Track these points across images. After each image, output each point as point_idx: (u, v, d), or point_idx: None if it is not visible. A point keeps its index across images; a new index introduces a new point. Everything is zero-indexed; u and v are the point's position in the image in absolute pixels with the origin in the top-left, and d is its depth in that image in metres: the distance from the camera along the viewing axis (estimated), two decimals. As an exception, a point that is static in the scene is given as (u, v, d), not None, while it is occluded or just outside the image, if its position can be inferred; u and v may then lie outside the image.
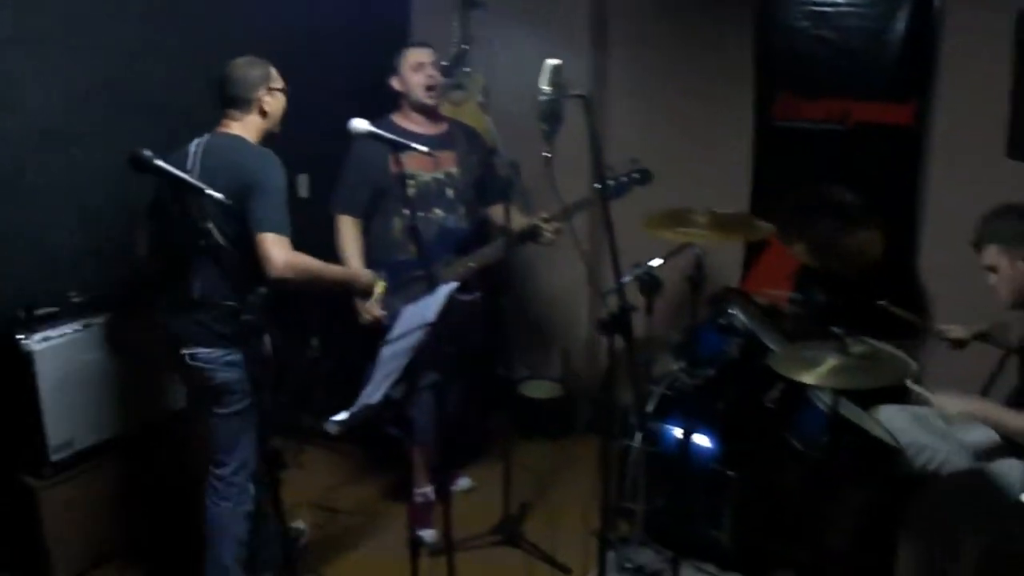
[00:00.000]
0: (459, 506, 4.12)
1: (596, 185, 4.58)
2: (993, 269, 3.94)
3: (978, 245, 3.99)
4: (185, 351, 3.86)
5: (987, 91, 4.86)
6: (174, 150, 3.84)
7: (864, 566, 4.23)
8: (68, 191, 4.53)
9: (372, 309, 4.66)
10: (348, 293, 4.33)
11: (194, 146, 3.89)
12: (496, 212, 5.05)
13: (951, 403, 3.91)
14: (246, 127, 3.94)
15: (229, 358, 3.82)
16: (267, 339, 3.66)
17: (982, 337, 4.36)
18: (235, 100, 3.93)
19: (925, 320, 4.76)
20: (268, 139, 4.00)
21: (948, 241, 5.07)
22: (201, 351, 3.84)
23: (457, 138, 4.94)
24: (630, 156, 4.85)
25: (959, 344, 4.39)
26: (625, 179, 4.81)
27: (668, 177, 5.19)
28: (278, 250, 3.68)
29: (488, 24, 6.00)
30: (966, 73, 5.01)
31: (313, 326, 5.74)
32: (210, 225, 3.50)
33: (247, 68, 3.93)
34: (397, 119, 4.86)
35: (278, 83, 4.00)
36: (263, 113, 3.95)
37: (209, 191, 2.97)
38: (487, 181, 5.05)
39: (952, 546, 3.89)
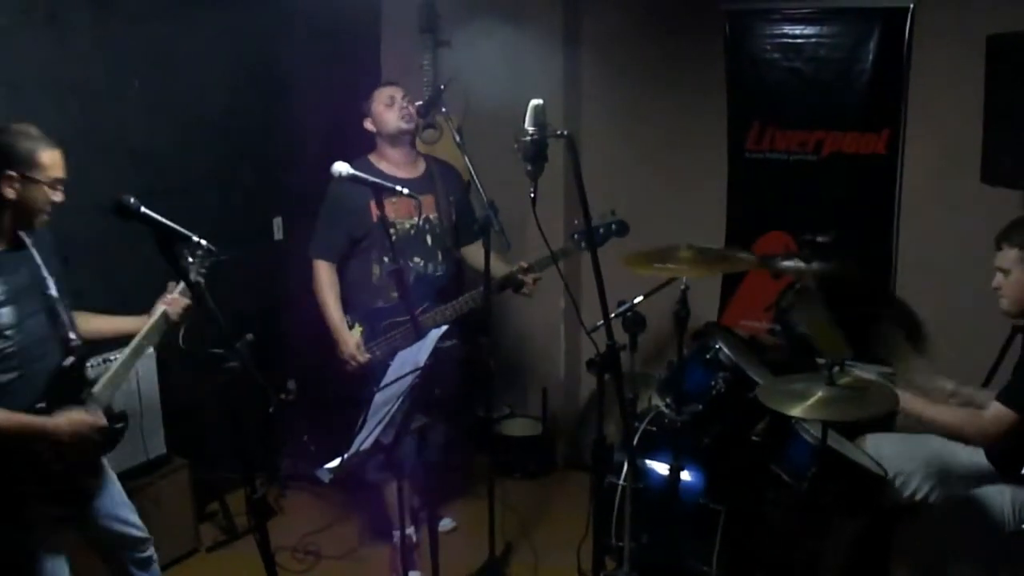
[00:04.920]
0: (443, 548, 4.06)
1: (574, 235, 4.61)
2: (1005, 272, 3.87)
3: (1000, 244, 3.91)
4: None
5: (960, 117, 4.89)
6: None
7: (855, 597, 4.23)
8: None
9: (357, 356, 4.65)
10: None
11: None
12: (469, 253, 5.04)
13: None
14: None
15: None
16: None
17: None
18: None
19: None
20: (13, 233, 3.46)
21: (924, 268, 5.10)
22: None
23: (435, 179, 4.92)
24: (609, 207, 4.82)
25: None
26: (602, 230, 4.79)
27: (643, 211, 5.20)
28: None
29: (460, 64, 6.00)
30: (938, 100, 5.05)
31: (290, 368, 5.71)
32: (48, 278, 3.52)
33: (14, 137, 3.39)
34: (375, 160, 4.83)
35: (43, 173, 3.40)
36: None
37: (197, 239, 2.95)
38: (463, 220, 5.02)
39: (941, 574, 3.89)
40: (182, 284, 3.72)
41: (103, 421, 3.51)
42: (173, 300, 3.76)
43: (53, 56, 4.55)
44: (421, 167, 4.93)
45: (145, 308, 4.10)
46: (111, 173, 4.73)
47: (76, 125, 4.65)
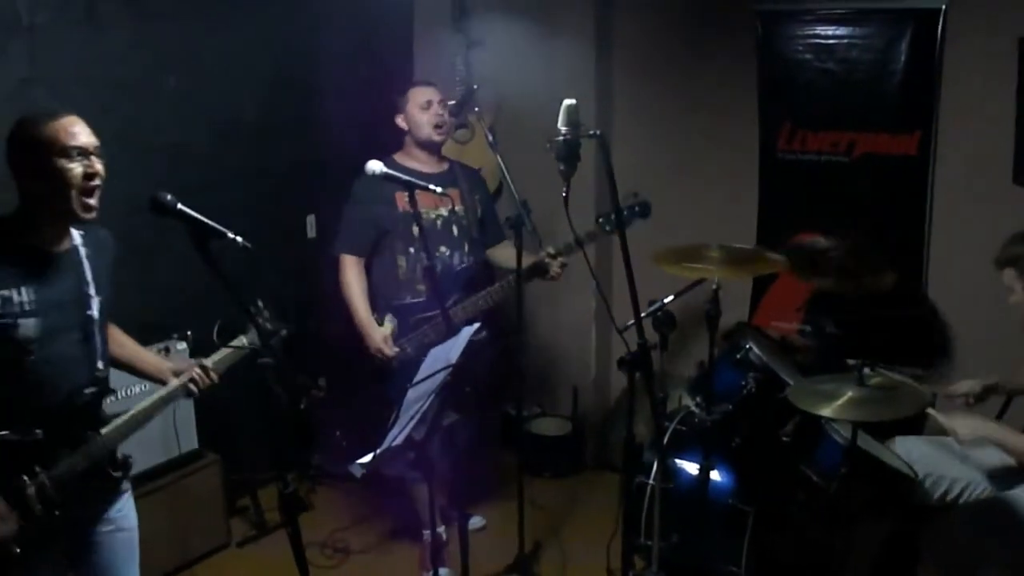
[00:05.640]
0: (473, 545, 4.08)
1: (599, 219, 4.61)
2: (1012, 291, 3.95)
3: (999, 266, 4.00)
4: None
5: (992, 118, 4.89)
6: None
7: (884, 598, 4.22)
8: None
9: (384, 350, 4.67)
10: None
11: None
12: (495, 253, 5.06)
13: (962, 425, 3.92)
14: None
15: None
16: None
17: (992, 390, 4.34)
18: None
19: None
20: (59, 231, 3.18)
21: (957, 269, 5.09)
22: None
23: (459, 176, 4.93)
24: (631, 190, 4.82)
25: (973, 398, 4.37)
26: (626, 212, 4.77)
27: (675, 211, 5.21)
28: None
29: (492, 63, 6.03)
30: (970, 101, 5.03)
31: (321, 365, 5.73)
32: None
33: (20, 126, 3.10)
34: (400, 159, 4.83)
35: (55, 147, 3.04)
36: None
37: (232, 235, 2.94)
38: (487, 221, 5.05)
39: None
40: (218, 355, 3.44)
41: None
42: (202, 374, 3.40)
43: (90, 54, 4.61)
44: (445, 165, 4.95)
45: (178, 307, 4.14)
46: (147, 170, 4.77)
47: (112, 122, 4.68)
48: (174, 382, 3.36)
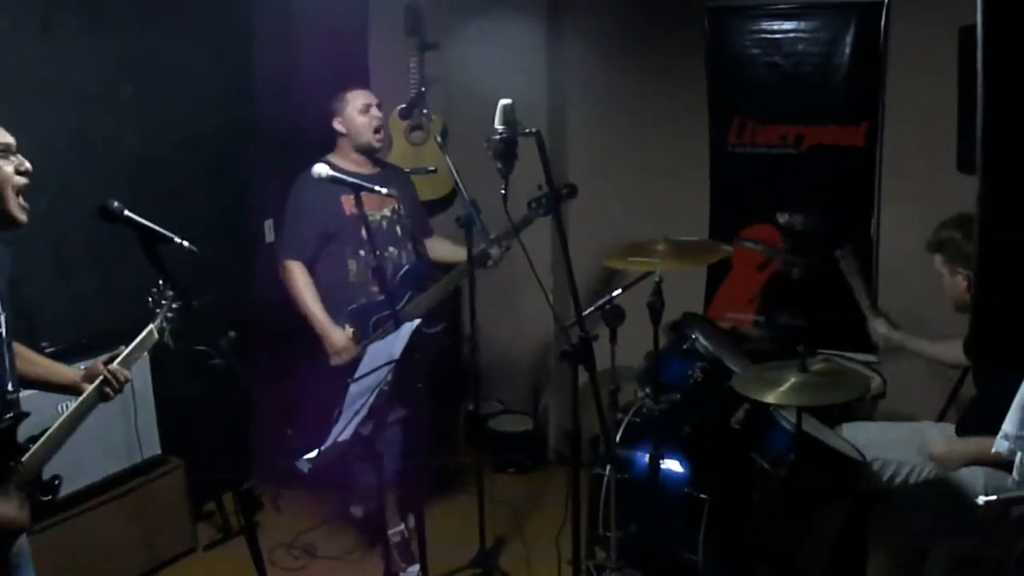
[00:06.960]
0: (434, 541, 4.13)
1: (530, 204, 4.69)
2: (940, 275, 4.11)
3: (929, 250, 4.18)
4: None
5: (936, 107, 4.95)
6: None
7: (837, 579, 4.29)
8: (42, 240, 4.55)
9: (350, 349, 4.73)
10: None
11: None
12: (431, 247, 5.20)
13: (939, 445, 4.07)
14: None
15: None
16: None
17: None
18: None
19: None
20: None
21: (904, 257, 5.16)
22: None
23: (391, 176, 5.00)
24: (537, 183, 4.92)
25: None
26: (535, 203, 4.90)
27: (630, 206, 5.25)
28: None
29: (445, 64, 6.09)
30: (914, 91, 5.13)
31: (284, 367, 5.76)
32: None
33: None
34: (336, 161, 4.83)
35: None
36: None
37: (179, 240, 2.97)
38: (418, 217, 5.19)
39: (920, 556, 3.95)
40: (127, 351, 3.21)
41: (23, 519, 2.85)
42: (114, 372, 3.14)
43: (46, 63, 4.63)
44: (378, 167, 5.03)
45: (140, 314, 4.10)
46: (106, 179, 4.80)
47: (70, 131, 4.72)
48: (88, 389, 3.10)
